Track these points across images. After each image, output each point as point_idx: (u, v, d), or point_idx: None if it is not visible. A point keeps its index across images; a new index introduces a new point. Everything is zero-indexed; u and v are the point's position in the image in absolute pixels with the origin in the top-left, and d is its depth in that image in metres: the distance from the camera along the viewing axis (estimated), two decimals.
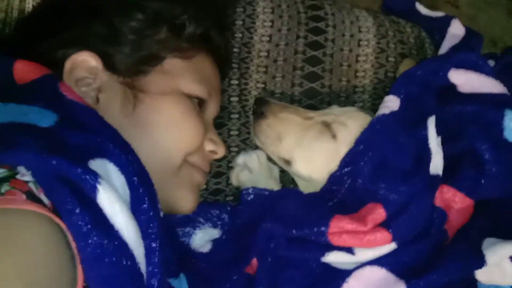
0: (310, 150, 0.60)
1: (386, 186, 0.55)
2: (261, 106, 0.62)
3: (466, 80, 0.65)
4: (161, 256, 0.39)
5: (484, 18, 1.60)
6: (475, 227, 0.57)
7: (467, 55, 0.67)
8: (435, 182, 0.58)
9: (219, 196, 0.64)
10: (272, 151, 0.62)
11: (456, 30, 0.75)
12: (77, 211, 0.33)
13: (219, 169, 0.64)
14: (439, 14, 0.79)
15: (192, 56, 0.53)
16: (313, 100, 0.68)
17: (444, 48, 0.74)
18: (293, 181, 0.65)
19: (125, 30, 0.50)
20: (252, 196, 0.57)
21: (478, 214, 0.59)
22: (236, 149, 0.65)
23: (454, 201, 0.59)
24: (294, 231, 0.53)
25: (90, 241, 0.33)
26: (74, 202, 0.33)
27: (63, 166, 0.34)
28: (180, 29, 0.52)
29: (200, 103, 0.53)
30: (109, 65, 0.49)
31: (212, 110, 0.56)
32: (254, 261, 0.53)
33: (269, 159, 0.65)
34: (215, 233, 0.57)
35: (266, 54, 0.67)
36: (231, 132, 0.65)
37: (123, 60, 0.49)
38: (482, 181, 0.59)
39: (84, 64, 0.48)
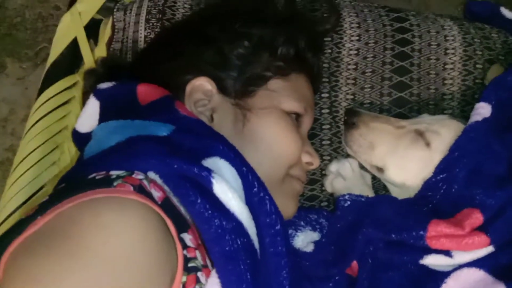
0: (404, 158, 0.63)
1: (482, 192, 0.57)
2: (352, 117, 0.66)
3: None
4: (279, 229, 0.45)
5: None
6: None
7: None
8: None
9: (314, 202, 0.68)
10: (365, 159, 0.66)
11: None
12: (199, 201, 0.39)
13: (314, 177, 0.69)
14: None
15: (289, 74, 0.58)
16: (402, 109, 0.70)
17: None
18: (384, 187, 0.68)
19: (233, 57, 0.56)
20: (348, 202, 0.61)
21: None
22: (328, 157, 0.69)
23: None
24: (393, 235, 0.56)
25: (212, 224, 0.39)
26: (195, 194, 0.40)
27: (182, 167, 0.41)
28: (279, 51, 0.58)
29: (297, 118, 0.58)
30: (221, 88, 0.55)
31: (307, 124, 0.61)
32: (355, 263, 0.57)
33: (361, 166, 0.68)
34: (315, 235, 0.61)
35: (354, 67, 0.71)
36: (323, 142, 0.69)
37: (232, 84, 0.55)
38: None
39: (201, 88, 0.55)
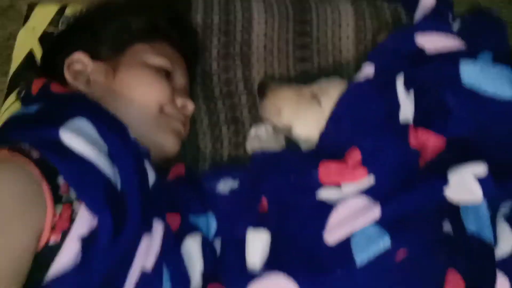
0: (304, 117, 0.76)
1: (362, 135, 0.70)
2: (262, 88, 0.79)
3: (431, 43, 0.77)
4: (134, 168, 0.56)
5: None
6: (442, 158, 0.70)
7: (430, 22, 0.80)
8: (404, 128, 0.71)
9: (239, 163, 0.82)
10: (276, 122, 0.79)
11: (426, 2, 0.87)
12: (54, 152, 0.51)
13: (238, 141, 0.82)
14: None
15: (153, 41, 0.73)
16: (307, 78, 0.84)
17: (417, 18, 0.87)
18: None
19: (104, 32, 0.72)
20: (260, 156, 0.75)
21: (446, 149, 0.72)
22: (249, 125, 0.83)
23: (428, 141, 0.71)
24: (292, 178, 0.70)
25: (66, 165, 0.50)
26: (53, 148, 0.51)
27: (39, 132, 0.53)
28: (142, 27, 0.73)
29: (168, 74, 0.72)
30: (94, 55, 0.70)
31: (180, 79, 0.75)
32: (265, 203, 0.71)
33: (277, 128, 0.82)
34: (235, 184, 0.75)
35: (263, 48, 0.84)
36: (243, 112, 0.83)
37: (105, 50, 0.71)
38: (449, 121, 0.72)
39: (76, 60, 0.69)
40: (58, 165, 0.49)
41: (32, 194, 0.47)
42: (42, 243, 0.46)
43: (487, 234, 0.66)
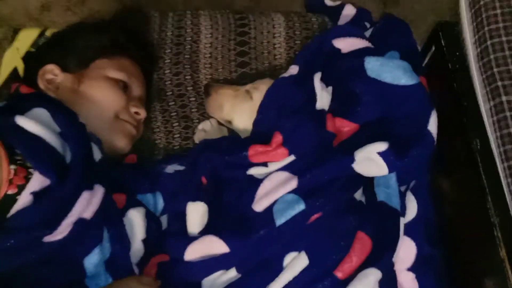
0: (240, 111, 0.90)
1: (283, 120, 0.84)
2: (207, 88, 0.93)
3: (345, 44, 0.92)
4: (80, 145, 0.69)
5: None
6: (353, 139, 0.83)
7: (344, 27, 0.95)
8: (321, 113, 0.84)
9: None
10: (218, 117, 0.93)
11: (347, 12, 1.03)
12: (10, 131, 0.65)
13: (188, 135, 0.96)
14: (337, 2, 1.07)
15: (114, 56, 0.87)
16: (246, 80, 0.98)
17: None
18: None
19: (73, 50, 0.86)
20: (201, 142, 0.89)
21: (358, 132, 0.85)
22: (197, 121, 0.97)
23: (343, 127, 0.85)
24: (226, 157, 0.83)
25: (18, 139, 0.63)
26: (11, 130, 0.65)
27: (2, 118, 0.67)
28: (104, 44, 0.88)
29: (125, 85, 0.85)
30: (64, 68, 0.84)
31: (136, 89, 0.89)
32: (204, 180, 0.83)
33: (221, 122, 0.96)
34: (181, 168, 0.88)
35: (209, 55, 0.99)
36: (192, 110, 0.97)
37: (71, 65, 0.85)
38: (359, 109, 0.85)
39: (49, 71, 0.84)
40: (12, 140, 0.64)
41: None
42: (1, 193, 0.60)
43: (394, 202, 0.78)
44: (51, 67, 0.84)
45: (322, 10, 1.09)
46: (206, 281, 0.77)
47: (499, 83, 0.71)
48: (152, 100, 0.97)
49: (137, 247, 0.75)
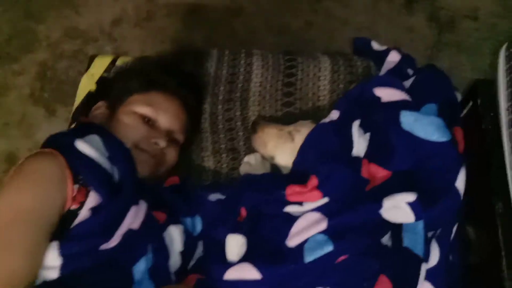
0: (282, 149, 0.99)
1: (319, 165, 0.92)
2: (254, 126, 1.03)
3: (385, 94, 0.98)
4: (127, 168, 0.83)
5: (504, 23, 1.80)
6: (384, 186, 0.90)
7: (386, 77, 1.01)
8: (356, 160, 0.92)
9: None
10: (262, 152, 1.03)
11: (392, 58, 1.08)
12: (72, 154, 0.79)
13: (234, 165, 1.07)
14: (383, 47, 1.13)
15: (147, 93, 0.99)
16: (291, 119, 1.07)
17: (382, 72, 1.08)
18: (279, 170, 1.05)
19: (116, 90, 1.00)
20: (244, 177, 0.99)
21: (390, 179, 0.92)
22: (244, 153, 1.07)
23: (376, 172, 0.92)
24: (266, 195, 0.92)
25: (78, 161, 0.77)
26: (72, 151, 0.79)
27: (66, 141, 0.81)
28: (141, 83, 1.00)
29: (150, 119, 0.97)
30: (110, 104, 0.98)
31: (164, 122, 0.98)
32: (244, 212, 0.94)
33: (264, 157, 1.06)
34: (223, 197, 0.98)
35: (258, 94, 1.09)
36: (240, 143, 1.08)
37: (113, 102, 0.98)
38: (392, 158, 0.91)
39: (98, 107, 0.99)
40: (74, 161, 0.78)
41: (61, 175, 0.76)
42: (66, 207, 0.74)
43: (418, 248, 0.84)
44: (100, 103, 1.00)
45: (368, 53, 1.15)
46: None
47: None
48: (204, 132, 1.08)
49: (175, 258, 0.87)
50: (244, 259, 0.89)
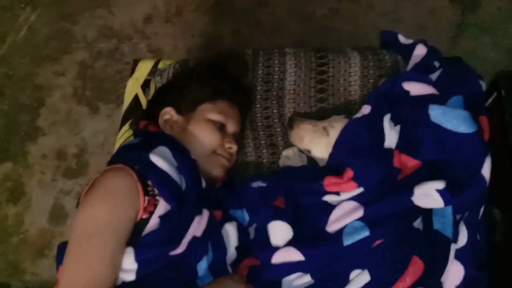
0: (318, 143, 1.08)
1: (354, 158, 1.01)
2: (291, 122, 1.12)
3: (414, 88, 1.05)
4: (192, 178, 0.92)
5: None
6: (415, 175, 0.98)
7: (415, 73, 1.08)
8: (388, 151, 1.00)
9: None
10: (300, 146, 1.12)
11: (418, 52, 1.14)
12: (146, 165, 0.87)
13: (274, 159, 1.17)
14: (410, 41, 1.19)
15: (215, 101, 1.06)
16: (324, 114, 1.15)
17: (409, 66, 1.14)
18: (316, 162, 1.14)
19: (185, 96, 1.07)
20: (285, 168, 1.09)
21: (420, 168, 1.00)
22: (282, 148, 1.17)
23: (407, 162, 0.99)
24: (306, 184, 1.02)
25: (151, 173, 0.86)
26: (146, 163, 0.87)
27: (135, 155, 0.91)
28: (209, 91, 1.07)
29: (222, 125, 1.05)
30: (179, 111, 1.05)
31: (231, 127, 1.07)
32: (282, 199, 1.03)
33: (301, 150, 1.15)
34: (264, 184, 1.07)
35: (293, 91, 1.18)
36: (278, 139, 1.17)
37: (183, 109, 1.06)
38: (422, 149, 0.99)
39: (167, 112, 1.06)
40: (148, 175, 0.87)
41: (134, 189, 0.84)
42: (139, 217, 0.83)
43: (447, 231, 0.93)
44: (168, 109, 1.06)
45: (395, 47, 1.21)
46: (285, 281, 0.97)
47: None
48: (245, 129, 1.18)
49: (231, 252, 0.97)
50: (289, 243, 1.00)
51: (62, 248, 0.84)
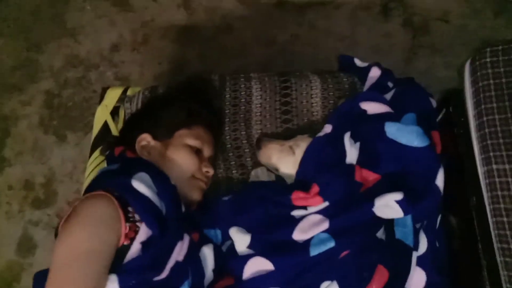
0: (285, 162, 1.13)
1: (319, 174, 1.06)
2: (258, 143, 1.17)
3: (371, 107, 1.12)
4: (173, 204, 0.92)
5: (473, 24, 1.95)
6: (375, 188, 1.05)
7: (371, 93, 1.16)
8: (350, 167, 1.06)
9: None
10: (268, 165, 1.17)
11: (373, 74, 1.22)
12: (126, 192, 0.88)
13: (244, 178, 1.21)
14: (365, 64, 1.27)
15: (191, 126, 1.10)
16: (289, 134, 1.21)
17: (366, 87, 1.22)
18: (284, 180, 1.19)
19: (161, 122, 1.10)
20: (253, 183, 1.13)
21: (380, 181, 1.06)
22: (251, 167, 1.21)
23: (368, 176, 1.06)
24: (275, 198, 1.06)
25: (132, 199, 0.86)
26: (126, 190, 0.88)
27: (116, 181, 0.91)
28: (181, 117, 1.11)
29: (198, 150, 1.08)
30: (155, 137, 1.08)
31: (207, 151, 1.12)
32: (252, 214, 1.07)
33: (270, 170, 1.20)
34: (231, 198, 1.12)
35: (259, 113, 1.23)
36: (247, 159, 1.22)
37: (160, 134, 1.08)
38: (380, 163, 1.06)
39: (144, 139, 1.08)
40: (130, 201, 0.88)
41: (116, 215, 0.84)
42: (120, 244, 0.83)
43: (408, 239, 0.98)
44: (145, 135, 1.08)
45: (352, 69, 1.30)
46: None
47: (491, 154, 0.91)
48: (217, 153, 1.22)
49: (209, 275, 0.99)
50: (255, 253, 1.01)
51: (39, 277, 0.84)
